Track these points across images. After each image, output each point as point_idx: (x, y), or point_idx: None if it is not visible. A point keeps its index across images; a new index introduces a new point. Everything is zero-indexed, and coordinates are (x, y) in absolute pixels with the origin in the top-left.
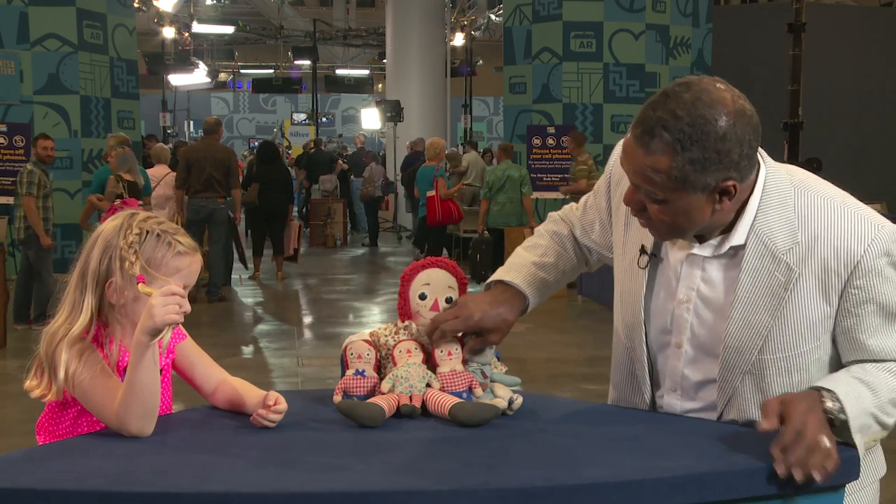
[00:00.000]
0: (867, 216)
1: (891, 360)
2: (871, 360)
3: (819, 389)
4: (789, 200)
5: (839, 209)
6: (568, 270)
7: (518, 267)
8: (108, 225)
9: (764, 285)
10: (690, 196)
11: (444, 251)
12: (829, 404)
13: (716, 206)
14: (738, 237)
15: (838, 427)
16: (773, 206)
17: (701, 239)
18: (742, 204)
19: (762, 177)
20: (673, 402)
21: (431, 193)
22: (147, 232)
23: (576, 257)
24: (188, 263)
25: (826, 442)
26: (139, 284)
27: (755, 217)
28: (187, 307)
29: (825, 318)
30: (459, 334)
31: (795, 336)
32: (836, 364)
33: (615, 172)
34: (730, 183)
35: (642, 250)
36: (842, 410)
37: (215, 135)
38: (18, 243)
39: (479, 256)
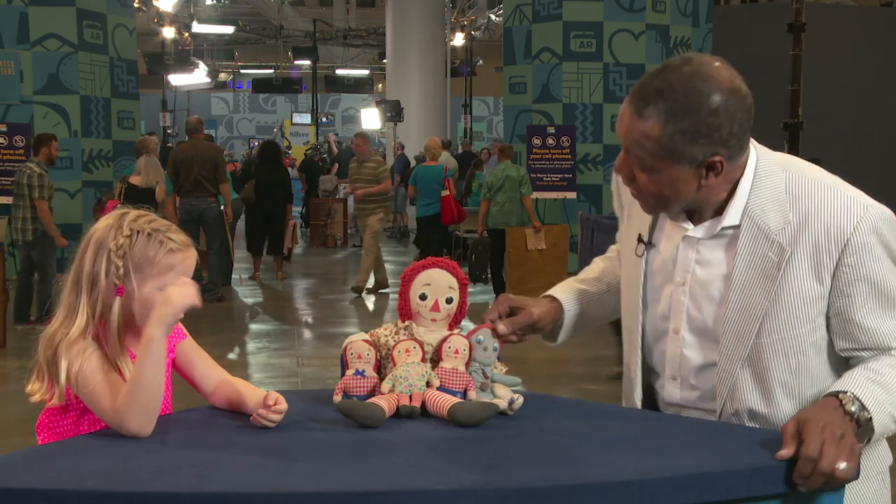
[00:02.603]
0: (857, 196)
1: (886, 349)
2: (865, 348)
3: (836, 395)
4: (780, 182)
5: (829, 190)
6: (614, 284)
7: (558, 286)
8: (101, 225)
9: (758, 268)
10: (677, 167)
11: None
12: (850, 407)
13: (702, 181)
14: (730, 218)
15: (863, 426)
16: (764, 188)
17: (695, 221)
18: (734, 185)
19: (753, 159)
20: (673, 390)
21: (446, 193)
22: (138, 232)
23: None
24: (181, 260)
25: (842, 465)
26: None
27: (748, 199)
28: (198, 301)
29: (818, 298)
30: (465, 334)
31: (791, 317)
32: (834, 349)
33: None
34: (717, 158)
35: (639, 239)
36: (863, 408)
37: (199, 134)
38: (23, 244)
39: (474, 257)
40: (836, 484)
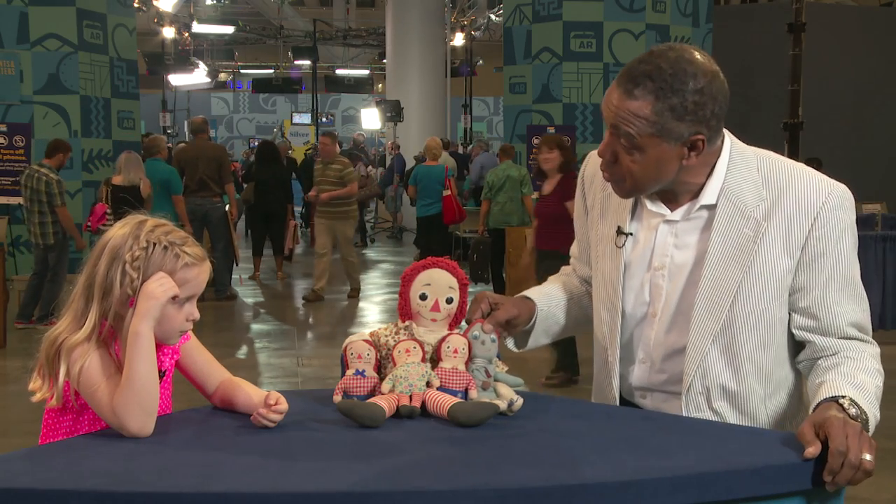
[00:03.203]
0: (824, 178)
1: (840, 336)
2: (821, 332)
3: (835, 399)
4: (752, 165)
5: (799, 170)
6: (576, 294)
7: (527, 290)
8: (118, 233)
9: (733, 243)
10: (664, 144)
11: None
12: (851, 410)
13: (683, 161)
14: (707, 197)
15: (862, 427)
16: (739, 170)
17: (671, 207)
18: (710, 169)
19: (727, 146)
20: (642, 374)
21: (447, 193)
22: (154, 244)
23: (582, 287)
24: (196, 275)
25: (867, 456)
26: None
27: (724, 179)
28: (197, 314)
29: (787, 272)
30: (463, 334)
31: (763, 290)
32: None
33: (587, 174)
34: (699, 137)
35: (619, 231)
36: (861, 410)
37: (203, 134)
38: (44, 247)
39: (475, 257)
40: (862, 477)
